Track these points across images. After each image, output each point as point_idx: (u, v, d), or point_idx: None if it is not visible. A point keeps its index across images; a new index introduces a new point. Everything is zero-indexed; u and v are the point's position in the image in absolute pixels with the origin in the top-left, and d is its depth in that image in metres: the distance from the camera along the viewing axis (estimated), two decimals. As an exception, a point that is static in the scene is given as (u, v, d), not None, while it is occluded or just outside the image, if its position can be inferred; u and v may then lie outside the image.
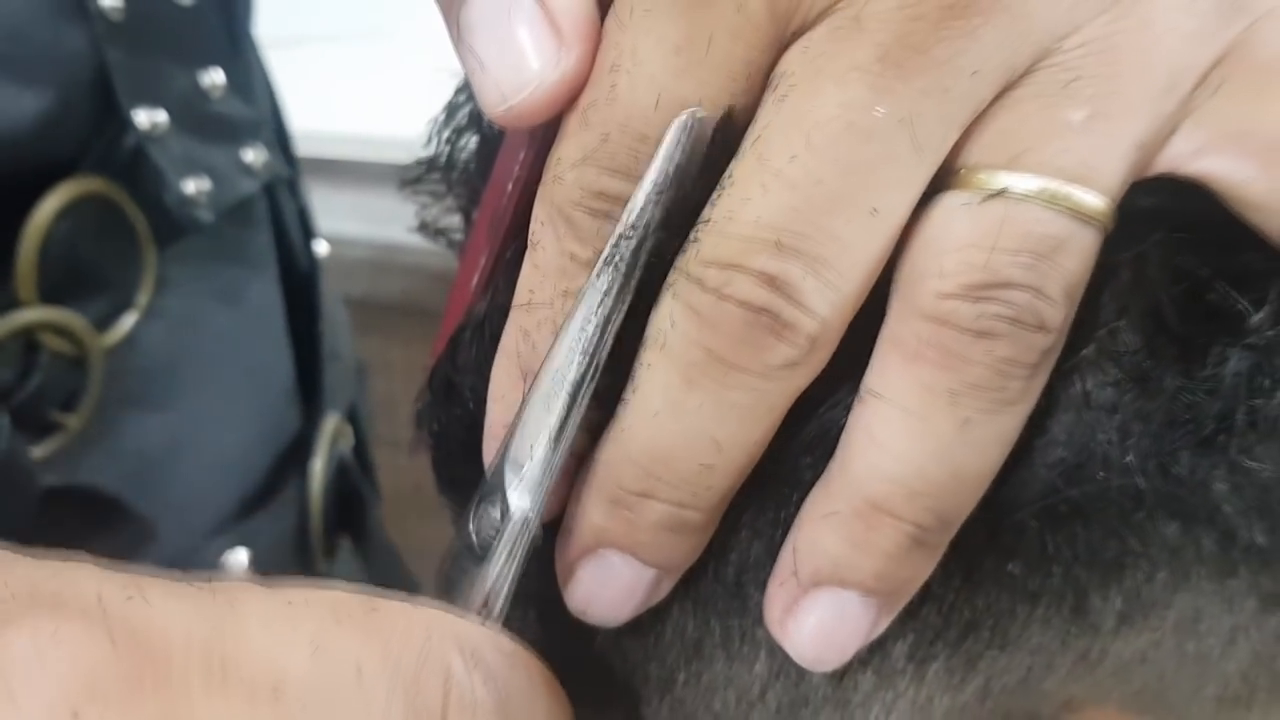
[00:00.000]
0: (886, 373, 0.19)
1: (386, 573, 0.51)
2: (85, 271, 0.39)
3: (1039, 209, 0.18)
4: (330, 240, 0.51)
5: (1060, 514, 0.20)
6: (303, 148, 0.50)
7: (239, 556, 0.42)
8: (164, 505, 0.41)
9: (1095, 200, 0.18)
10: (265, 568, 0.43)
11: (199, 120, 0.41)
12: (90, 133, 0.39)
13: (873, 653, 0.22)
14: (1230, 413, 0.20)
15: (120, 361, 0.40)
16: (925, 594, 0.21)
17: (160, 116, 0.40)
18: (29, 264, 0.37)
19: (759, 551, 0.21)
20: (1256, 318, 0.20)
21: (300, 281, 0.48)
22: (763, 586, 0.21)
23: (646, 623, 0.22)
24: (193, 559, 0.42)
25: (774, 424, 0.19)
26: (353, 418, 0.51)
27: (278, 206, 0.47)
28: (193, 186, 0.41)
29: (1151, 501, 0.20)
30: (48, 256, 0.37)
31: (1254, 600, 0.22)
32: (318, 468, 0.45)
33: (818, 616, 0.20)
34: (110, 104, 0.39)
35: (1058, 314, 0.18)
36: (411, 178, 0.26)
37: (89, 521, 0.40)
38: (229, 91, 0.42)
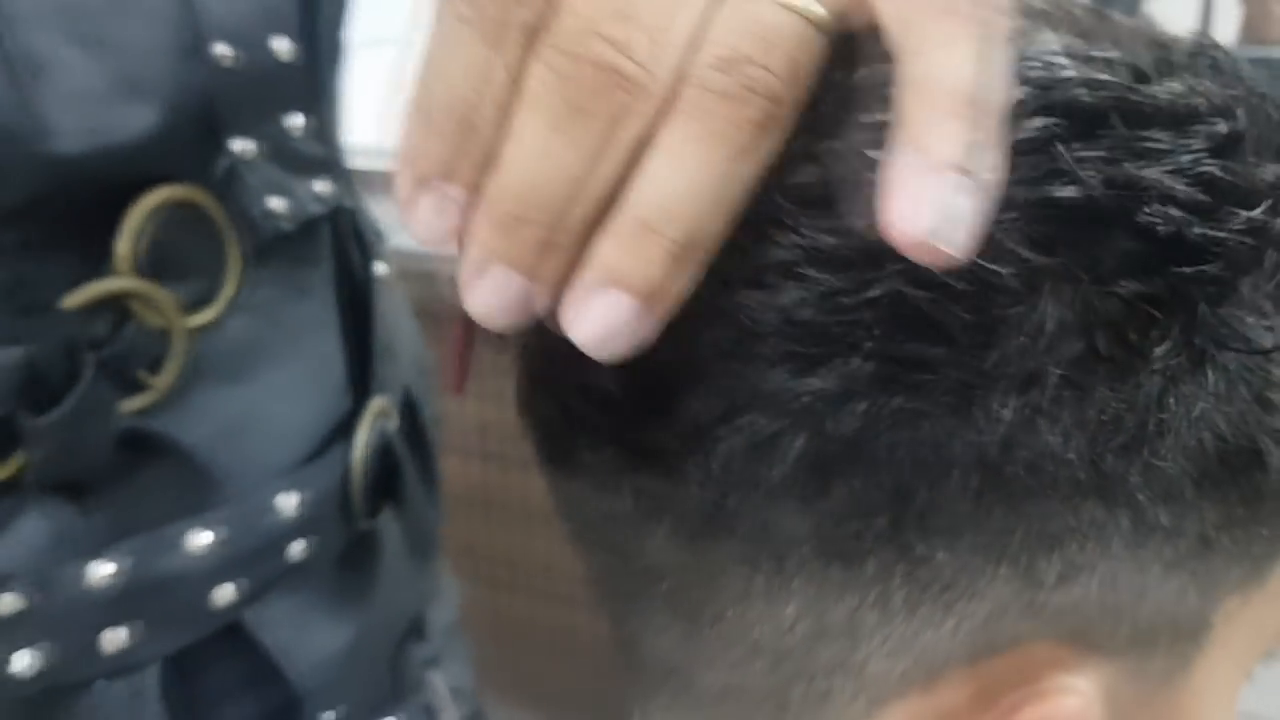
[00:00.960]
0: (662, 128, 0.24)
1: (419, 539, 0.60)
2: (174, 261, 0.47)
3: (775, 9, 0.24)
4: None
5: (1019, 496, 0.26)
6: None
7: (290, 499, 0.51)
8: (230, 463, 0.50)
9: (817, 9, 0.24)
10: (311, 513, 0.52)
11: (282, 153, 0.50)
12: (190, 150, 0.47)
13: (878, 599, 0.27)
14: (1144, 423, 0.25)
15: (207, 342, 0.49)
16: (920, 559, 0.27)
17: (251, 146, 0.49)
18: (127, 245, 0.45)
19: (800, 523, 0.27)
20: (1160, 350, 0.25)
21: (358, 290, 0.57)
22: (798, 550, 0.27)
23: (706, 575, 0.28)
24: (248, 500, 0.50)
25: (621, 163, 0.25)
26: (409, 407, 0.60)
27: (338, 228, 0.56)
28: (275, 203, 0.50)
29: (1086, 489, 0.26)
30: (142, 242, 0.45)
31: (1159, 566, 0.27)
32: (361, 439, 0.54)
33: (598, 313, 0.25)
34: (211, 130, 0.47)
35: (782, 88, 0.24)
36: None
37: (159, 464, 0.48)
38: (308, 134, 0.51)
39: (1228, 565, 0.28)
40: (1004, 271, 0.25)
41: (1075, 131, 0.25)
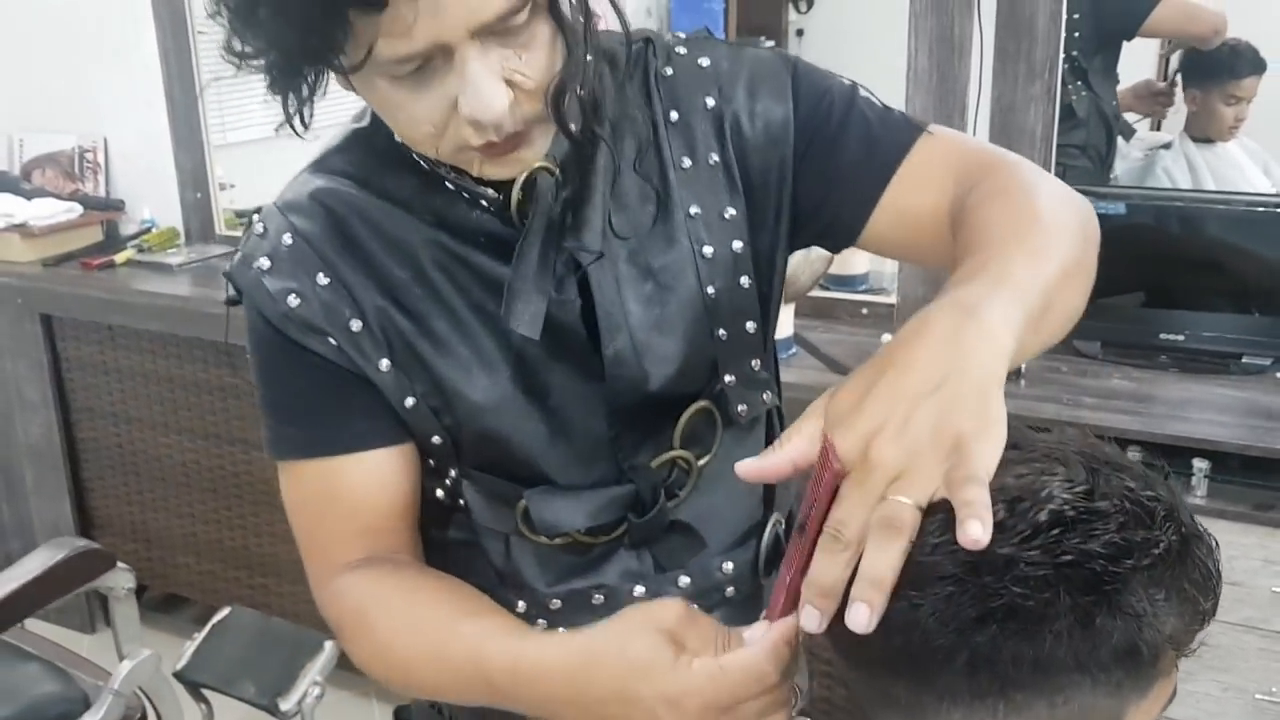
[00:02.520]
0: None
1: None
2: (694, 436, 0.94)
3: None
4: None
5: (1051, 675, 0.60)
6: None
7: (728, 566, 0.97)
8: (704, 537, 0.96)
9: None
10: (737, 574, 0.98)
11: (748, 381, 0.96)
12: (702, 381, 0.93)
13: (996, 712, 0.62)
14: (1097, 645, 0.60)
15: (701, 473, 0.95)
16: (1016, 703, 0.61)
17: (733, 378, 0.94)
18: (681, 434, 0.93)
19: None
20: (1100, 615, 0.59)
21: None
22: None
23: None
24: (709, 562, 0.97)
25: None
26: (790, 518, 1.04)
27: (769, 416, 1.02)
28: (742, 408, 0.95)
29: (1072, 672, 0.60)
30: (686, 431, 0.93)
31: (1103, 697, 0.61)
32: (767, 537, 0.99)
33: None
34: (714, 371, 0.93)
35: None
36: None
37: (677, 535, 0.96)
38: (760, 370, 0.96)
39: (1131, 697, 0.62)
40: (1029, 599, 0.58)
41: (1067, 529, 0.59)
